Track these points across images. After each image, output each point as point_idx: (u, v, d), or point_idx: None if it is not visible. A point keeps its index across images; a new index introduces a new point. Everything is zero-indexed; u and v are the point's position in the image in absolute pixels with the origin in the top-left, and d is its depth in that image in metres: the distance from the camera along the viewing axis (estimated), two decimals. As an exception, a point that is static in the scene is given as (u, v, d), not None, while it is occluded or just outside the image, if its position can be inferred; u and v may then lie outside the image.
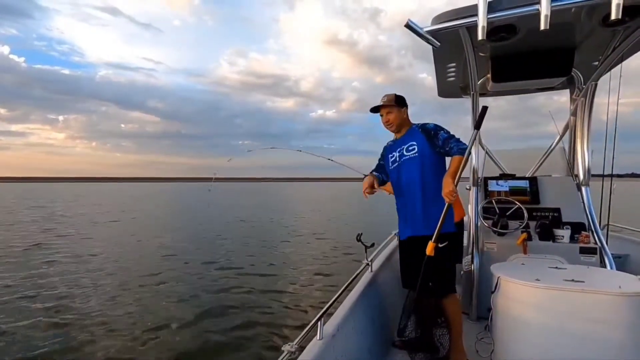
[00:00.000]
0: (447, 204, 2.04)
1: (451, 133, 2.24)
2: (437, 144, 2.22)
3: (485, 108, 2.07)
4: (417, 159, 2.27)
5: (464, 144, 2.13)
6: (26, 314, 5.24)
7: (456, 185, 2.02)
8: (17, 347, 4.25)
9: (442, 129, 2.26)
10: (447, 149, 2.17)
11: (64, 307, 5.56)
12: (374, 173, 2.53)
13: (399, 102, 2.36)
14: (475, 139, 2.09)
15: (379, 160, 2.61)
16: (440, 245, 2.07)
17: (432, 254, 2.05)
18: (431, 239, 2.08)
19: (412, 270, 2.29)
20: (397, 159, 2.39)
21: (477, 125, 2.10)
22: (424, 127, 2.32)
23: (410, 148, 2.31)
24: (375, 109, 2.40)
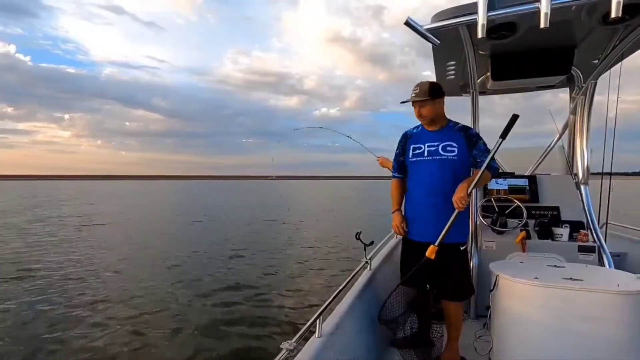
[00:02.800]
0: (456, 211, 1.96)
1: (487, 146, 2.15)
2: (472, 152, 2.11)
3: (515, 117, 1.94)
4: (454, 162, 2.11)
5: (496, 165, 2.11)
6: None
7: (469, 195, 1.95)
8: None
9: (481, 138, 2.16)
10: (479, 160, 2.08)
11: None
12: (397, 175, 2.39)
13: (433, 93, 2.12)
14: (498, 147, 1.97)
15: (399, 155, 2.34)
16: (462, 248, 2.16)
17: (433, 257, 2.00)
18: (451, 245, 2.09)
19: (421, 271, 2.17)
20: (427, 153, 2.19)
21: (504, 134, 1.96)
22: (466, 132, 2.17)
23: (449, 148, 2.13)
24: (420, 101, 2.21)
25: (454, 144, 2.13)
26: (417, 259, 2.09)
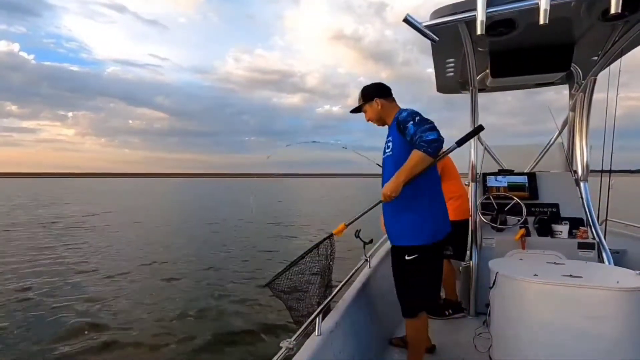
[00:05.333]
0: (380, 201, 1.91)
1: (423, 121, 1.79)
2: (408, 138, 1.81)
3: (480, 127, 1.96)
4: (392, 158, 1.96)
5: (433, 135, 1.69)
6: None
7: (403, 184, 1.76)
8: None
9: (412, 119, 1.81)
10: (414, 142, 1.76)
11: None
12: None
13: (364, 97, 2.10)
14: (451, 151, 1.95)
15: None
16: (408, 258, 1.91)
17: (337, 235, 2.07)
18: (401, 250, 1.94)
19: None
20: (383, 154, 2.13)
21: (461, 142, 1.91)
22: (397, 119, 1.92)
23: (388, 144, 2.03)
24: (356, 110, 2.18)
25: (390, 138, 2.02)
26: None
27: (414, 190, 1.85)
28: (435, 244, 1.91)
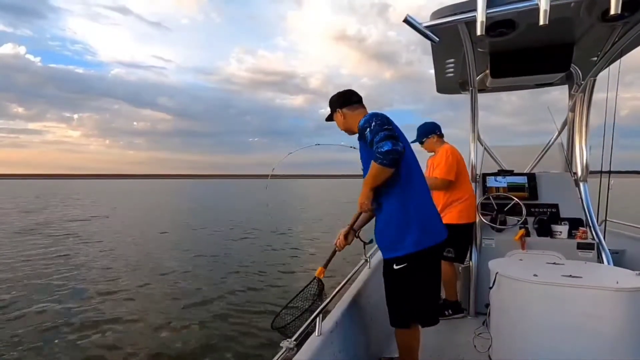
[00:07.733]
0: (364, 213, 1.93)
1: (378, 128, 1.67)
2: (371, 147, 1.72)
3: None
4: (362, 164, 1.93)
5: (387, 145, 1.60)
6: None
7: (370, 193, 1.79)
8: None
9: (369, 125, 1.71)
10: (373, 151, 1.67)
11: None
12: None
13: (330, 107, 2.06)
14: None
15: None
16: (396, 267, 1.82)
17: (320, 277, 2.08)
18: (389, 261, 1.86)
19: None
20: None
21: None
22: (359, 128, 1.81)
23: (360, 153, 1.97)
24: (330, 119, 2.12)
25: (357, 147, 1.95)
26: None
27: (388, 199, 1.82)
28: (425, 250, 1.78)
